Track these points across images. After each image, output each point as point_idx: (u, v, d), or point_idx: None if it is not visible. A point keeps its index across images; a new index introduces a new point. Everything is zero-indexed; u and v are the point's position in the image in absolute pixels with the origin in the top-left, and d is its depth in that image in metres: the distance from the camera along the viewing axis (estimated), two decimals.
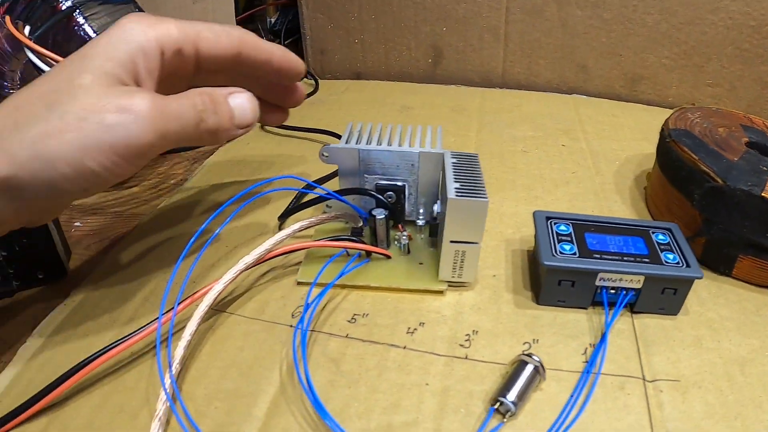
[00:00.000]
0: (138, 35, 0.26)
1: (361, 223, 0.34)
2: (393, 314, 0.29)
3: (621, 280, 0.28)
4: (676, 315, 0.30)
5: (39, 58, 0.37)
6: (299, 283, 0.31)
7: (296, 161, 0.46)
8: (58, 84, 0.25)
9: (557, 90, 0.57)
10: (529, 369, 0.25)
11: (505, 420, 0.24)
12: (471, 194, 0.27)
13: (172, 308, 0.27)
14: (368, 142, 0.33)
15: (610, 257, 0.29)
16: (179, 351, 0.26)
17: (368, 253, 0.32)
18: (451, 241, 0.29)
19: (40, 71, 0.37)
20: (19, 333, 0.29)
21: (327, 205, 0.34)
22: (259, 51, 0.31)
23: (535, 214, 0.31)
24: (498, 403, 0.24)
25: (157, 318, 0.26)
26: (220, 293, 0.28)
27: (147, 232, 0.37)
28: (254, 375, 0.26)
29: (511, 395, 0.24)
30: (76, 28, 0.42)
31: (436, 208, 0.32)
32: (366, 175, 0.33)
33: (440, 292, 0.31)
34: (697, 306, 0.30)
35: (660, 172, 0.37)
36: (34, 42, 0.36)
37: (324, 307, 0.30)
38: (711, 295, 0.31)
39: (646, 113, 0.53)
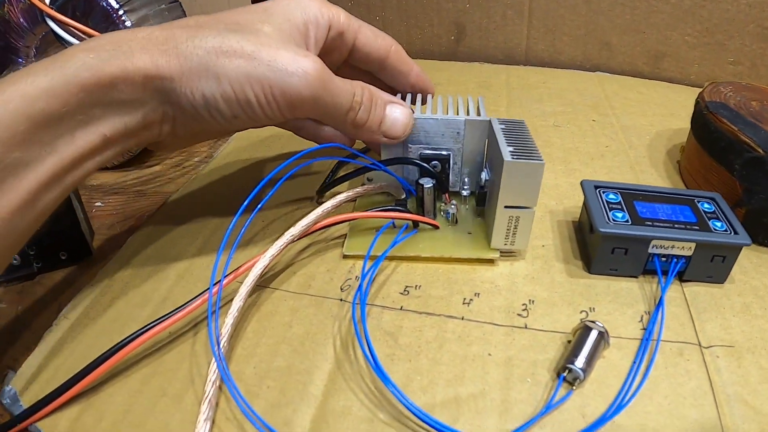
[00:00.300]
0: (313, 8, 0.29)
1: (404, 195, 0.33)
2: (446, 285, 0.29)
3: (673, 247, 0.28)
4: (722, 283, 0.30)
5: (61, 28, 0.36)
6: (345, 257, 0.31)
7: None
8: (242, 20, 0.27)
9: (580, 67, 0.57)
10: (594, 335, 0.25)
11: (574, 388, 0.24)
12: (526, 156, 0.27)
13: (219, 281, 0.26)
14: (414, 109, 0.33)
15: (661, 224, 0.29)
16: (226, 328, 0.25)
17: (415, 224, 0.32)
18: (506, 207, 0.28)
19: (63, 42, 0.36)
20: (44, 318, 0.28)
21: (368, 178, 0.34)
22: (403, 63, 0.34)
23: (584, 183, 0.31)
24: (566, 371, 0.24)
25: (205, 291, 0.25)
26: (266, 267, 0.27)
27: (176, 209, 0.36)
28: (307, 351, 0.26)
29: (579, 361, 0.24)
30: None
31: (484, 175, 0.31)
32: (410, 145, 0.32)
33: (492, 261, 0.30)
34: (740, 275, 0.30)
35: (697, 144, 0.37)
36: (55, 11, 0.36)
37: (373, 280, 0.29)
38: (753, 265, 0.31)
39: (671, 90, 0.53)
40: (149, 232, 0.34)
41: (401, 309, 0.28)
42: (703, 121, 0.37)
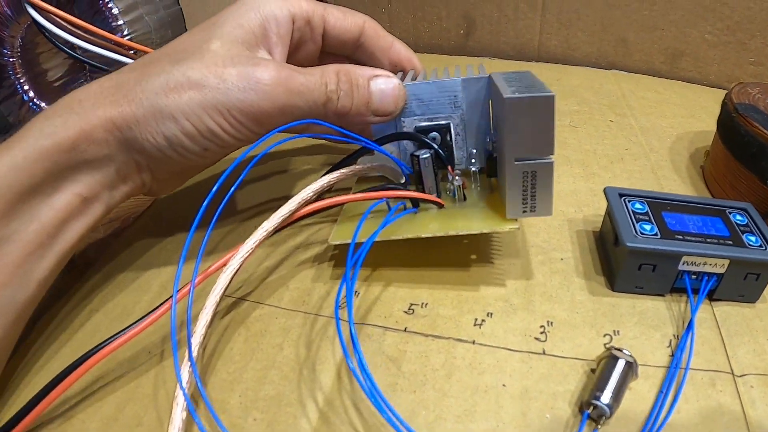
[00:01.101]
0: (268, 4, 0.26)
1: (403, 179, 0.30)
2: (456, 303, 0.26)
3: (705, 264, 0.26)
4: (755, 303, 0.27)
5: (41, 15, 0.33)
6: (336, 247, 0.29)
7: None
8: (187, 46, 0.25)
9: (595, 65, 0.54)
10: (621, 365, 0.22)
11: (599, 426, 0.21)
12: (531, 92, 0.23)
13: (188, 284, 0.23)
14: (401, 78, 0.29)
15: (692, 239, 0.26)
16: (194, 345, 0.22)
17: (415, 204, 0.28)
18: (517, 160, 0.24)
19: (44, 32, 0.34)
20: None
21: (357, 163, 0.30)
22: (380, 38, 0.31)
23: (607, 191, 0.29)
24: (591, 407, 0.21)
25: (168, 299, 0.22)
26: (237, 270, 0.23)
27: (165, 211, 0.34)
28: (299, 378, 0.23)
29: (606, 397, 0.21)
30: None
31: (489, 138, 0.28)
32: (403, 119, 0.28)
33: (513, 230, 0.28)
34: None
35: (724, 149, 0.35)
36: None
37: (377, 296, 0.27)
38: None
39: (689, 90, 0.51)
40: (134, 236, 0.31)
41: (405, 330, 0.25)
42: (731, 124, 0.34)
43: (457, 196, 0.28)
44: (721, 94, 0.50)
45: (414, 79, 0.30)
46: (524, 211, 0.25)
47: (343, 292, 0.23)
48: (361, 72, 0.27)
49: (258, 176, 0.37)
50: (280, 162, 0.38)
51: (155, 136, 0.24)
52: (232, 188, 0.24)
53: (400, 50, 0.32)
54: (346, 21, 0.30)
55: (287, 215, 0.25)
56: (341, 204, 0.27)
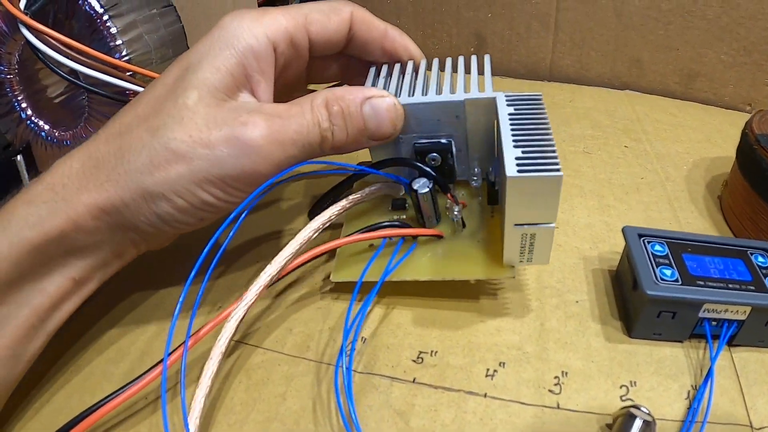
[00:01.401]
0: (245, 34, 0.23)
1: (402, 192, 0.29)
2: (467, 351, 0.25)
3: (726, 311, 0.25)
4: None
5: (35, 36, 0.32)
6: (337, 284, 0.28)
7: None
8: (162, 104, 0.23)
9: (608, 85, 0.53)
10: (638, 425, 0.21)
11: None
12: (538, 167, 0.21)
13: (182, 344, 0.22)
14: (398, 90, 0.27)
15: (714, 284, 0.25)
16: (197, 402, 0.21)
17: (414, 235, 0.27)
18: (516, 225, 0.23)
19: (38, 54, 0.33)
20: None
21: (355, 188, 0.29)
22: (372, 29, 0.28)
23: (626, 231, 0.28)
24: None
25: (159, 363, 0.21)
26: (241, 320, 0.23)
27: None
28: None
29: None
30: (80, 2, 0.37)
31: (493, 170, 0.26)
32: (400, 136, 0.27)
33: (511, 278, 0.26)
34: None
35: (744, 182, 0.33)
36: (30, 18, 0.32)
37: (384, 342, 0.26)
38: None
39: (704, 112, 0.49)
40: (129, 272, 0.30)
41: (414, 381, 0.24)
42: (752, 156, 0.33)
43: (456, 224, 0.28)
44: (736, 116, 0.49)
45: (415, 71, 0.28)
46: (521, 261, 0.25)
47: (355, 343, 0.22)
48: (352, 96, 0.24)
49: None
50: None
51: (147, 216, 0.22)
52: (228, 236, 0.23)
53: (395, 38, 0.29)
54: (330, 22, 0.27)
55: (289, 258, 0.24)
56: (340, 246, 0.27)
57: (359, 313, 0.26)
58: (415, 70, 0.29)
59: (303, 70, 0.29)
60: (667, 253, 0.27)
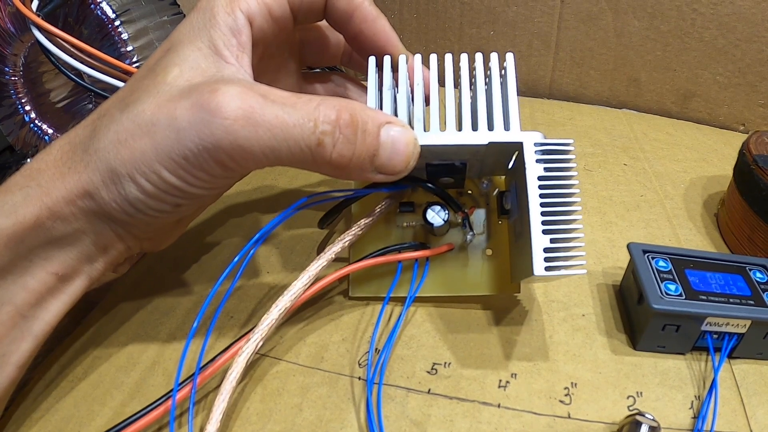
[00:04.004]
0: (220, 12, 0.22)
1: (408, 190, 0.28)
2: (479, 362, 0.26)
3: (728, 324, 0.26)
4: None
5: (46, 37, 0.32)
6: (351, 298, 0.28)
7: None
8: (140, 83, 0.21)
9: (606, 103, 0.54)
10: (644, 431, 0.22)
11: None
12: (565, 262, 0.21)
13: (191, 376, 0.21)
14: (410, 119, 0.24)
15: (716, 299, 0.26)
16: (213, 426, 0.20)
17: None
18: (535, 281, 0.25)
19: (48, 54, 0.33)
20: None
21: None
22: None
23: (631, 248, 0.28)
24: None
25: (168, 396, 0.21)
26: (251, 355, 0.22)
27: (169, 250, 0.31)
28: None
29: None
30: (93, 6, 0.38)
31: (510, 200, 0.26)
32: None
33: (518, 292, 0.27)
34: None
35: (741, 201, 0.34)
36: (42, 19, 0.32)
37: (398, 354, 0.26)
38: None
39: (700, 132, 0.51)
40: (139, 276, 0.30)
41: (429, 392, 0.24)
42: (750, 177, 0.34)
43: (465, 233, 0.28)
44: (730, 135, 0.51)
45: (396, 90, 0.25)
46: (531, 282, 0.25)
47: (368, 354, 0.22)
48: (373, 115, 0.22)
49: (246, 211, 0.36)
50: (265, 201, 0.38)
51: (118, 202, 0.21)
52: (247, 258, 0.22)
53: (366, 16, 0.26)
54: None
55: (300, 292, 0.23)
56: (355, 271, 0.26)
57: (376, 324, 0.26)
58: (425, 80, 0.26)
59: (292, 45, 0.27)
60: (671, 269, 0.27)
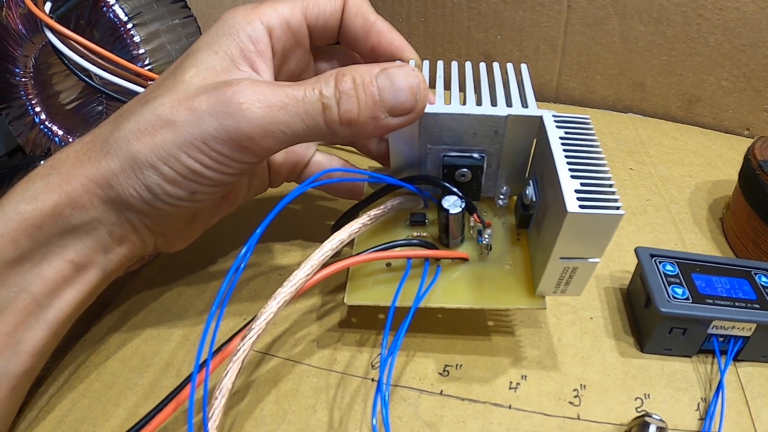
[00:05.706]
0: (240, 22, 0.24)
1: (422, 205, 0.27)
2: (490, 364, 0.26)
3: (733, 327, 0.26)
4: None
5: (59, 39, 0.33)
6: (350, 308, 0.28)
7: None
8: (161, 83, 0.23)
9: (612, 108, 0.55)
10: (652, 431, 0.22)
11: None
12: (600, 202, 0.20)
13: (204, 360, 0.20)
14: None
15: (722, 303, 0.27)
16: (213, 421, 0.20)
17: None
18: (562, 258, 0.22)
19: (61, 56, 0.33)
20: None
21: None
22: (362, 17, 0.27)
23: (639, 252, 0.29)
24: None
25: (186, 382, 0.21)
26: (247, 354, 0.21)
27: (181, 251, 0.32)
28: None
29: None
30: (105, 9, 0.38)
31: (530, 193, 0.24)
32: (429, 146, 0.25)
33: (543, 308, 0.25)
34: None
35: (747, 206, 0.35)
36: (55, 21, 0.33)
37: (410, 355, 0.26)
38: None
39: (704, 136, 0.51)
40: (152, 277, 0.31)
41: (441, 394, 0.25)
42: (755, 182, 0.34)
43: (483, 245, 0.26)
44: (735, 140, 0.51)
45: (446, 74, 0.26)
46: (555, 292, 0.24)
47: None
48: (366, 68, 0.22)
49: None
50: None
51: (137, 189, 0.22)
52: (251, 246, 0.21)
53: (382, 30, 0.27)
54: (326, 4, 0.26)
55: (303, 280, 0.22)
56: (357, 264, 0.24)
57: (386, 326, 0.26)
58: (446, 73, 0.26)
59: (307, 62, 0.28)
60: (678, 273, 0.28)
